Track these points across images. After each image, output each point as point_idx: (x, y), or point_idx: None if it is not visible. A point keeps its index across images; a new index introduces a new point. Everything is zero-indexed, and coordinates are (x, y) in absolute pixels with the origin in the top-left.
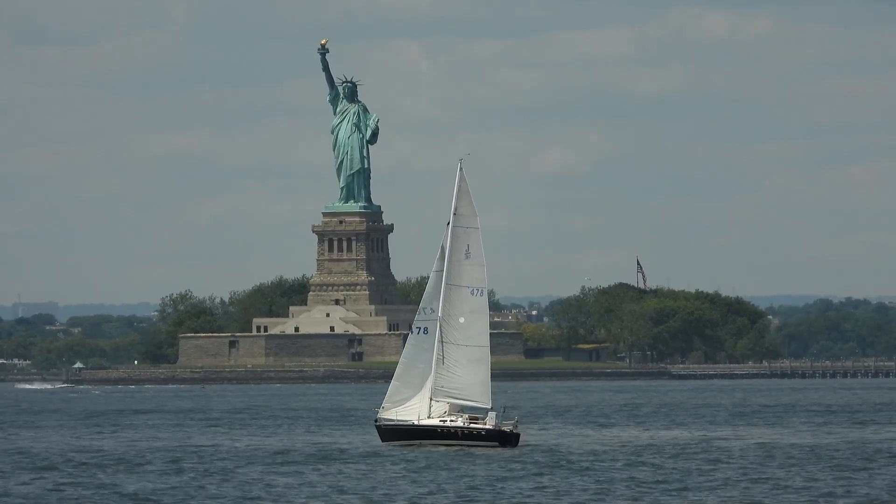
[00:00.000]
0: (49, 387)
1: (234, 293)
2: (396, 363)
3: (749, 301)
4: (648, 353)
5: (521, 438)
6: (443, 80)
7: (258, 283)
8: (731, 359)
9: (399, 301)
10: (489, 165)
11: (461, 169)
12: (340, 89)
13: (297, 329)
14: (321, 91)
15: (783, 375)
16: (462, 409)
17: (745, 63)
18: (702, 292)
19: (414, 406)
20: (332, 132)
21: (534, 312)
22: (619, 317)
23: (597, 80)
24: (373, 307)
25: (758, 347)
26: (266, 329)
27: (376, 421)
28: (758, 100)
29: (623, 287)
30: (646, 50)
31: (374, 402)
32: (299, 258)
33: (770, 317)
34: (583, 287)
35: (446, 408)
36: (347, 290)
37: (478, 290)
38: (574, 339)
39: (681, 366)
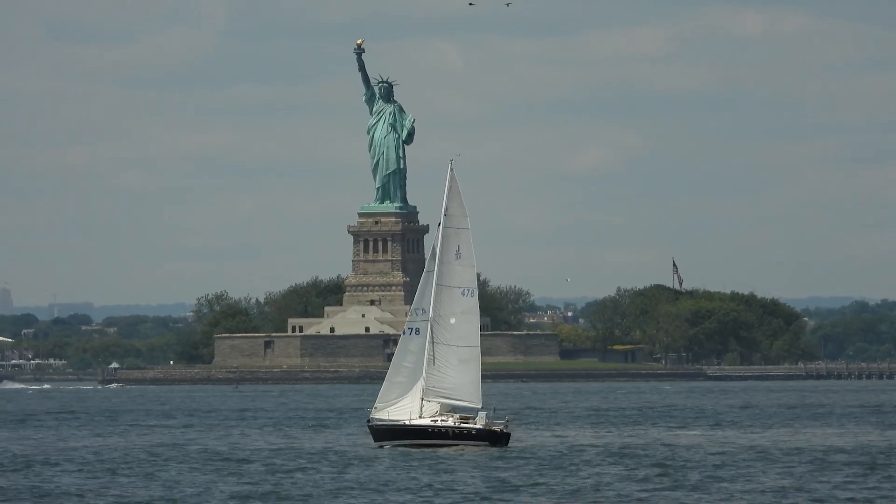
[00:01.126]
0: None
1: (270, 294)
2: None
3: (784, 302)
4: (684, 354)
5: (511, 438)
6: (478, 79)
7: (293, 284)
8: (766, 360)
9: None
10: (523, 164)
11: (451, 169)
12: (376, 89)
13: (332, 329)
14: (357, 90)
15: (818, 377)
16: (453, 409)
17: (779, 61)
18: (737, 294)
19: (405, 406)
20: (368, 132)
21: (569, 314)
22: (655, 318)
23: (631, 78)
24: (408, 308)
25: (793, 349)
26: (301, 329)
27: (369, 421)
28: (793, 98)
29: (658, 288)
30: (680, 48)
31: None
32: (335, 258)
33: (806, 318)
34: (618, 288)
35: (437, 408)
36: (383, 291)
37: (468, 290)
38: (609, 341)
39: (716, 367)
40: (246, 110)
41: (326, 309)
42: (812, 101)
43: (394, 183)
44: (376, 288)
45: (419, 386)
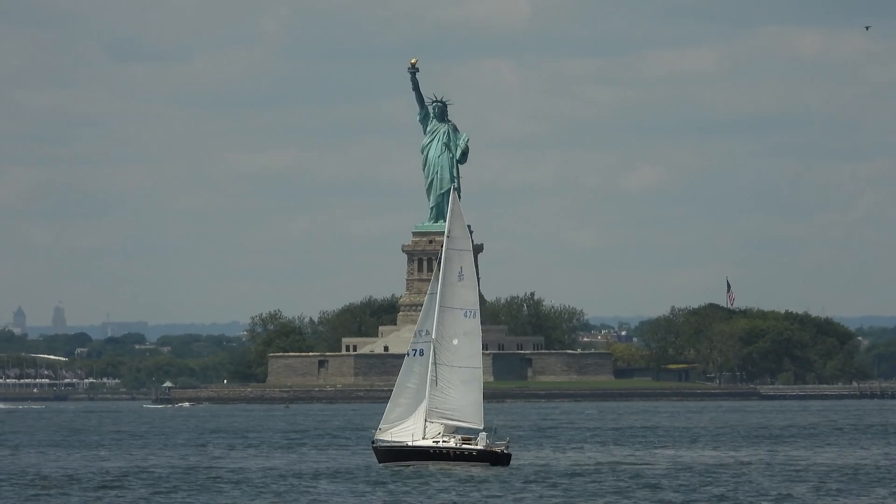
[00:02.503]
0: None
1: (324, 313)
2: (485, 383)
3: (838, 321)
4: (738, 373)
5: (512, 458)
6: (533, 98)
7: (347, 303)
8: (820, 379)
9: (488, 321)
10: (578, 183)
11: (454, 192)
12: (430, 108)
13: (386, 349)
14: (411, 109)
15: (872, 396)
16: (456, 430)
17: (836, 81)
18: (791, 313)
19: (409, 427)
20: (422, 151)
21: (623, 332)
22: (709, 337)
23: (688, 98)
24: None
25: (847, 368)
26: (355, 348)
27: (373, 442)
28: (849, 118)
29: (712, 307)
30: (737, 68)
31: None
32: (389, 278)
33: (859, 337)
34: (672, 307)
35: (440, 429)
36: None
37: (471, 311)
38: (663, 360)
39: (770, 387)
40: (301, 130)
41: (380, 328)
42: (868, 121)
43: (448, 202)
44: None
45: (423, 407)
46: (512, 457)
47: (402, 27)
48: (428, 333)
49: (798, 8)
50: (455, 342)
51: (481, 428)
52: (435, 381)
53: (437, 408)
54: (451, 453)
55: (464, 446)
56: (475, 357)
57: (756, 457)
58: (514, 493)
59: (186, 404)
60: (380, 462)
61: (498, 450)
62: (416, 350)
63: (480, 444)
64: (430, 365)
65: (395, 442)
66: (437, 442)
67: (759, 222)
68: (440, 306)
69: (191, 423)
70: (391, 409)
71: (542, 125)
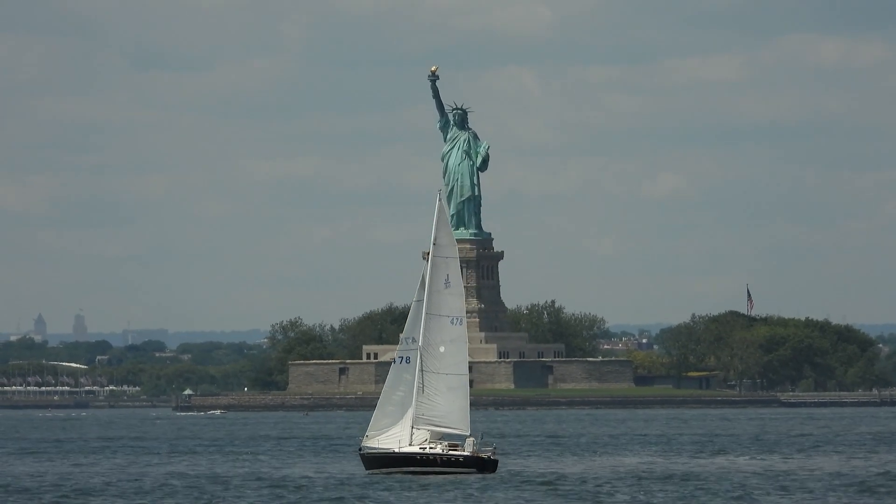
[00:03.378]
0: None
1: (344, 320)
2: (506, 390)
3: (859, 329)
4: (758, 381)
5: (498, 465)
6: (555, 106)
7: (368, 311)
8: (841, 387)
9: (509, 328)
10: (598, 191)
11: (440, 199)
12: (451, 116)
13: None
14: (432, 117)
15: (893, 403)
16: (443, 437)
17: (858, 89)
18: (811, 320)
19: (395, 434)
20: (443, 159)
21: (644, 340)
22: (729, 345)
23: (709, 106)
24: (483, 334)
25: (868, 375)
26: (376, 356)
27: (360, 450)
28: (871, 126)
29: (733, 315)
30: (759, 76)
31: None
32: (409, 285)
33: (880, 345)
34: (693, 315)
35: (427, 435)
36: None
37: (457, 319)
38: (684, 367)
39: (791, 394)
40: (322, 138)
41: (401, 336)
42: (889, 129)
43: (468, 210)
44: None
45: (409, 414)
46: (499, 463)
47: (424, 35)
48: (415, 341)
49: (820, 16)
50: (441, 349)
51: (468, 434)
52: (422, 388)
53: (423, 414)
54: (438, 459)
55: (450, 452)
56: (462, 364)
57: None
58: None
59: (217, 412)
60: (367, 469)
61: (485, 456)
62: (402, 357)
63: (467, 450)
64: (416, 372)
65: (381, 449)
66: (424, 448)
67: (780, 230)
68: (427, 313)
69: (255, 432)
70: (378, 416)
71: (562, 133)
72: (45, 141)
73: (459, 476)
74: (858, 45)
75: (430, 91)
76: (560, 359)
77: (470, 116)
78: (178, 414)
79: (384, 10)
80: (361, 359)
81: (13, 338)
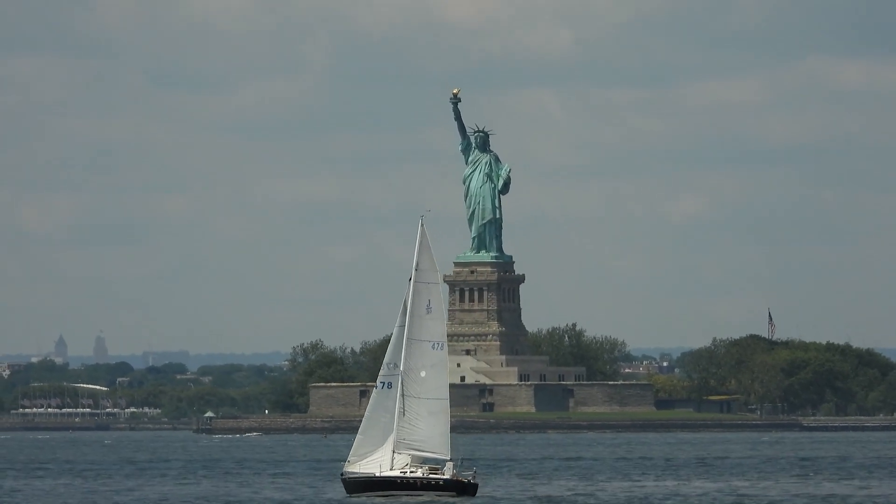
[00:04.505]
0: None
1: (365, 343)
2: (527, 413)
3: (880, 352)
4: (779, 404)
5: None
6: (576, 128)
7: (389, 333)
8: (861, 411)
9: (530, 351)
10: (620, 213)
11: (422, 225)
12: (472, 139)
13: None
14: (454, 139)
15: None
16: (424, 461)
17: (880, 111)
18: (833, 344)
19: (377, 459)
20: (464, 182)
21: (665, 363)
22: (750, 368)
23: (731, 128)
24: (503, 357)
25: (889, 399)
26: None
27: (342, 474)
28: (893, 148)
29: (754, 339)
30: (780, 98)
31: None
32: None
33: None
34: (714, 339)
35: (408, 460)
36: (478, 341)
37: (438, 344)
38: (705, 391)
39: (812, 418)
40: (343, 160)
41: (384, 361)
42: None
43: (489, 232)
44: (472, 337)
45: (391, 438)
46: (479, 486)
47: (446, 57)
48: (396, 366)
49: (842, 38)
50: (422, 374)
51: (448, 458)
52: (403, 413)
53: (404, 439)
54: (419, 483)
55: (431, 476)
56: (442, 388)
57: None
58: None
59: (254, 434)
60: (348, 493)
61: (465, 480)
62: (384, 382)
63: (447, 473)
64: (397, 396)
65: (363, 473)
66: (405, 472)
67: (802, 252)
68: (408, 338)
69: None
70: (360, 440)
71: (584, 155)
72: (67, 162)
73: (440, 500)
74: (881, 68)
75: (452, 113)
76: (581, 382)
77: (491, 139)
78: (214, 437)
79: (406, 32)
80: None
81: (34, 360)
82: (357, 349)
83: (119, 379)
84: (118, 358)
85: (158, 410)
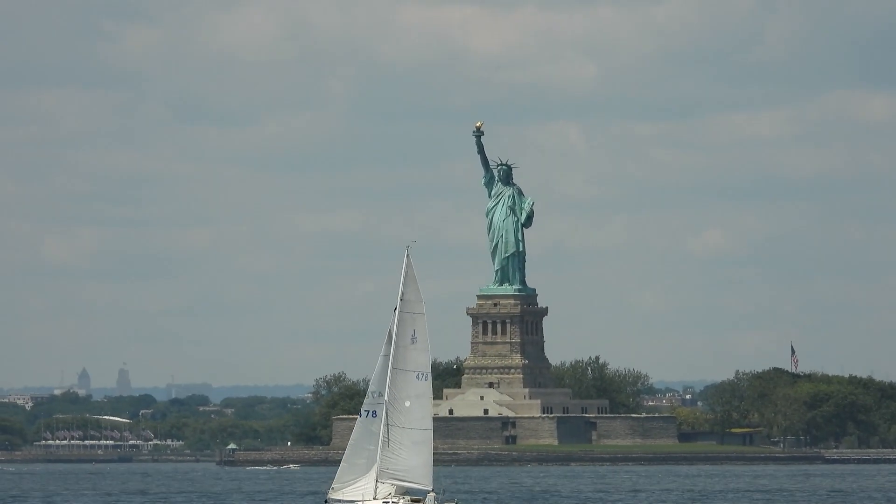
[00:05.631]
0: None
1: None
2: (550, 446)
3: None
4: (802, 437)
5: None
6: (600, 161)
7: None
8: (884, 444)
9: (553, 384)
10: (643, 246)
11: (408, 256)
12: (495, 172)
13: (450, 411)
14: (477, 172)
15: None
16: (406, 491)
17: None
18: (855, 377)
19: (360, 487)
20: (487, 215)
21: (688, 396)
22: (773, 401)
23: (755, 162)
24: (527, 390)
25: None
26: None
27: (326, 502)
28: None
29: (777, 372)
30: (805, 132)
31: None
32: (453, 341)
33: None
34: (737, 371)
35: (391, 489)
36: (501, 373)
37: (422, 374)
38: (728, 424)
39: (834, 451)
40: (366, 192)
41: (445, 391)
42: None
43: (513, 265)
44: (495, 370)
45: (374, 467)
46: None
47: (469, 90)
48: (381, 395)
49: (867, 72)
50: (407, 404)
51: (430, 489)
52: (387, 442)
53: (388, 468)
54: None
55: None
56: (426, 419)
57: None
58: None
59: (293, 466)
60: None
61: None
62: (368, 411)
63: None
64: (382, 426)
65: (346, 501)
66: (388, 502)
67: (825, 286)
68: (393, 368)
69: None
70: (344, 468)
71: (607, 188)
72: (90, 193)
73: None
74: None
75: (475, 146)
76: (604, 415)
77: (514, 172)
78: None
79: (429, 64)
80: None
81: (57, 391)
82: None
83: (142, 411)
84: (141, 390)
85: (181, 442)
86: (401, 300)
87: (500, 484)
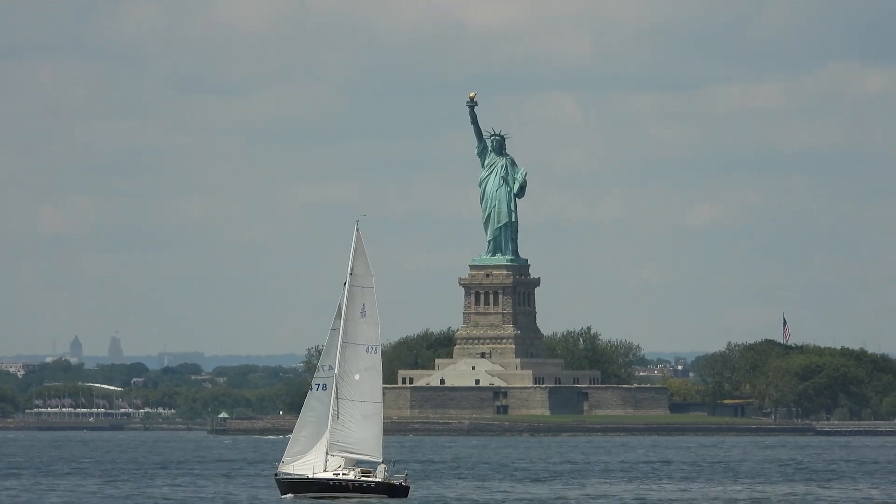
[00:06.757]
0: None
1: (381, 345)
2: (541, 416)
3: (895, 358)
4: (793, 409)
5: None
6: (594, 133)
7: (404, 336)
8: (876, 416)
9: (545, 355)
10: (637, 219)
11: (357, 230)
12: (488, 142)
13: (442, 381)
14: (470, 143)
15: None
16: (357, 463)
17: None
18: (847, 349)
19: (310, 460)
20: (480, 185)
21: (679, 367)
22: (765, 373)
23: (751, 135)
24: (518, 360)
25: None
26: (411, 381)
27: (276, 475)
28: None
29: (769, 343)
30: (801, 105)
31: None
32: (445, 311)
33: None
34: (729, 343)
35: (341, 462)
36: (493, 344)
37: (372, 347)
38: (719, 395)
39: (826, 422)
40: (360, 165)
41: (437, 361)
42: None
43: (505, 236)
44: (487, 340)
45: (324, 440)
46: (410, 489)
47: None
48: (331, 368)
49: (864, 45)
50: (357, 377)
51: (380, 461)
52: (337, 415)
53: (338, 441)
54: (350, 485)
55: (362, 478)
56: (376, 392)
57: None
58: None
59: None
60: (282, 494)
61: (396, 482)
62: (319, 384)
63: (379, 476)
64: (332, 399)
65: (296, 474)
66: (338, 474)
67: (818, 259)
68: (343, 342)
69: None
70: (294, 442)
71: (602, 160)
72: (86, 164)
73: (371, 501)
74: None
75: (469, 117)
76: (595, 385)
77: (508, 143)
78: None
79: (426, 38)
80: (397, 383)
81: (49, 359)
82: None
83: (134, 379)
84: (133, 359)
85: (173, 411)
86: (350, 274)
87: (456, 454)
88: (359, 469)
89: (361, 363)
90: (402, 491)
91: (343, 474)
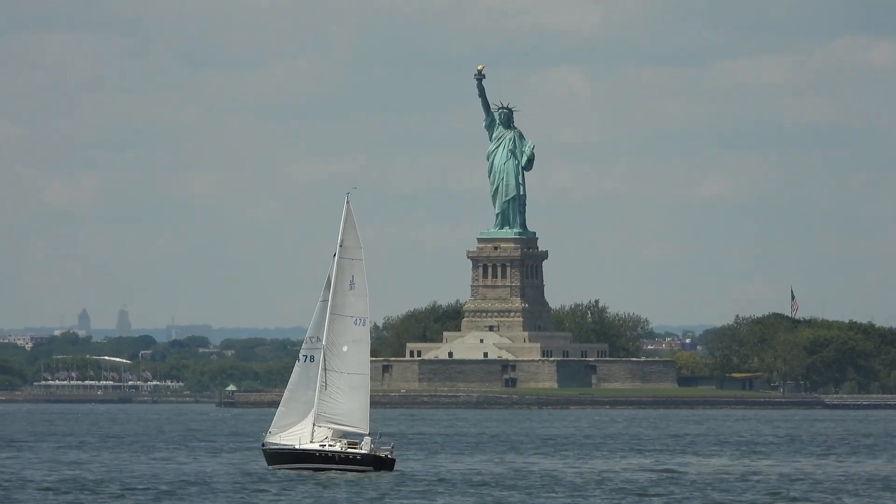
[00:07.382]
0: None
1: (388, 318)
2: (549, 389)
3: None
4: (801, 382)
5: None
6: (602, 107)
7: (412, 309)
8: (884, 389)
9: (553, 328)
10: (645, 193)
11: (348, 202)
12: (496, 115)
13: (450, 354)
14: (478, 117)
15: None
16: (343, 435)
17: None
18: (855, 323)
19: (297, 431)
20: (488, 158)
21: (687, 341)
22: (773, 346)
23: (759, 109)
24: (526, 334)
25: None
26: (420, 354)
27: (263, 445)
28: None
29: (777, 317)
30: (809, 79)
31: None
32: (454, 284)
33: None
34: (737, 316)
35: (328, 433)
36: (501, 317)
37: (360, 319)
38: (727, 368)
39: (834, 396)
40: (367, 139)
41: (445, 334)
42: None
43: (513, 209)
44: (495, 313)
45: (312, 412)
46: (396, 462)
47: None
48: (319, 340)
49: (872, 19)
50: (345, 349)
51: (367, 433)
52: (324, 387)
53: (325, 412)
54: (337, 457)
55: (349, 450)
56: (364, 364)
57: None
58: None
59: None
60: (269, 465)
61: (382, 454)
62: (306, 356)
63: (365, 448)
64: (319, 370)
65: (283, 445)
66: (324, 446)
67: (826, 233)
68: (331, 314)
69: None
70: (281, 412)
71: (609, 134)
72: (93, 138)
73: (357, 474)
74: None
75: (476, 90)
76: (603, 358)
77: (516, 116)
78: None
79: (432, 10)
80: (405, 356)
81: (57, 332)
82: (380, 324)
83: (142, 352)
84: (141, 331)
85: (181, 384)
86: (340, 246)
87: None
88: (345, 441)
89: (350, 335)
90: (387, 463)
91: (329, 445)
